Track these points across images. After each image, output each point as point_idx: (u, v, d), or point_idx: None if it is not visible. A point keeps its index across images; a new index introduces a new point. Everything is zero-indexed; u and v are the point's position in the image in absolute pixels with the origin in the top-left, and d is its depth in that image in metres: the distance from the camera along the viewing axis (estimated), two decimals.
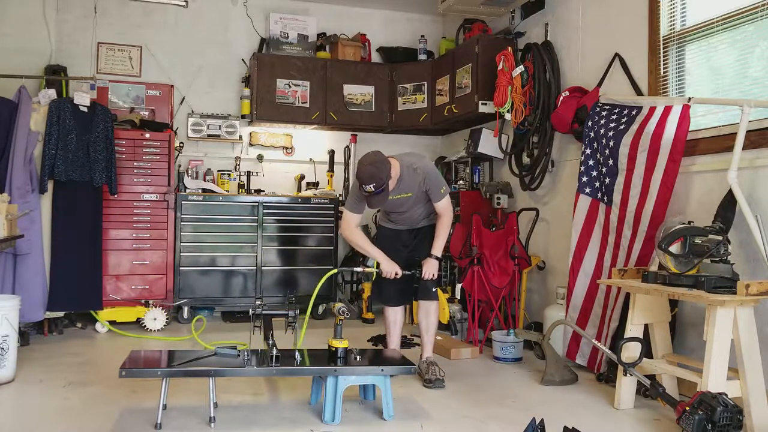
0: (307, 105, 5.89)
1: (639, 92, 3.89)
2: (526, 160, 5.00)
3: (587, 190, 3.93)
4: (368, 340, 4.72)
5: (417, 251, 3.73)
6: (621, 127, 3.72)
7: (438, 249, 3.63)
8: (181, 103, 5.91)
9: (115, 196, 4.97)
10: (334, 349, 3.05)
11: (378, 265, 3.60)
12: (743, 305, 2.73)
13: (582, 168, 3.95)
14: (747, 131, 3.02)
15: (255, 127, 6.12)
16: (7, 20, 5.39)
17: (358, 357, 3.06)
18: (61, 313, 4.74)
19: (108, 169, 4.84)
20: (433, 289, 3.71)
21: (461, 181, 5.65)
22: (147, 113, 5.67)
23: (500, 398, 3.34)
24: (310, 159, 6.27)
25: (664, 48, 3.76)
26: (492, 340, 4.22)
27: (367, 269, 3.71)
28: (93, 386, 3.40)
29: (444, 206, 3.63)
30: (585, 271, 3.92)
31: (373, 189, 3.34)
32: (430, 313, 3.74)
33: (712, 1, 3.50)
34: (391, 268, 3.57)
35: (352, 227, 3.66)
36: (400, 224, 3.82)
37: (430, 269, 3.60)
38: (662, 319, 3.27)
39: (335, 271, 3.82)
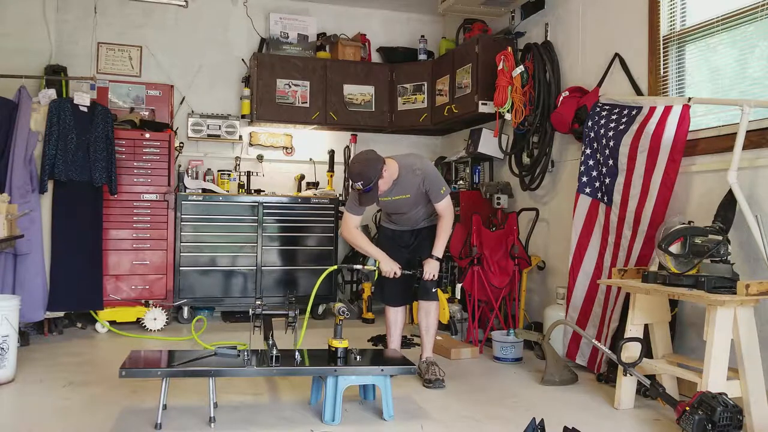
0: (307, 105, 5.89)
1: (639, 92, 3.89)
2: (526, 160, 4.99)
3: (587, 190, 3.93)
4: (368, 340, 4.72)
5: (418, 252, 3.73)
6: (621, 127, 3.72)
7: (439, 250, 3.63)
8: (181, 103, 5.91)
9: (115, 196, 4.97)
10: (334, 349, 3.05)
11: (378, 264, 3.61)
12: (743, 305, 2.72)
13: (582, 168, 3.95)
14: (747, 131, 3.02)
15: (255, 127, 6.12)
16: (7, 20, 5.39)
17: (358, 357, 3.06)
18: (61, 313, 4.74)
19: (108, 169, 4.84)
20: (433, 290, 3.71)
21: (461, 181, 5.65)
22: (147, 113, 5.67)
23: (500, 398, 3.34)
24: (310, 159, 6.27)
25: (664, 48, 3.76)
26: (492, 340, 4.23)
27: (366, 267, 3.71)
28: (93, 386, 3.40)
29: (444, 207, 3.62)
30: (585, 271, 3.91)
31: (361, 187, 3.37)
32: (430, 313, 3.74)
33: (712, 1, 3.50)
34: (390, 267, 3.57)
35: (351, 228, 3.66)
36: (401, 225, 3.82)
37: (430, 270, 3.60)
38: (662, 319, 3.27)
39: (335, 267, 3.82)
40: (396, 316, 3.81)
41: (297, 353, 2.99)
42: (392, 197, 3.60)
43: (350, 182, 3.46)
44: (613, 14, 4.17)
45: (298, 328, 3.23)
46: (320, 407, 2.97)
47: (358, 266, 3.85)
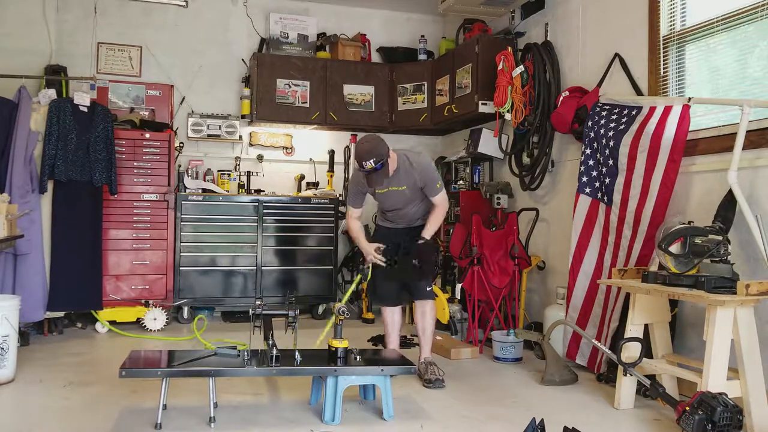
0: (307, 105, 5.89)
1: (639, 92, 3.89)
2: (526, 160, 4.99)
3: (587, 190, 3.93)
4: (368, 340, 4.72)
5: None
6: (621, 127, 3.72)
7: (428, 232, 3.64)
8: (181, 103, 5.91)
9: (115, 196, 4.97)
10: (334, 349, 3.05)
11: (370, 270, 3.63)
12: (743, 305, 2.72)
13: (582, 168, 3.95)
14: (747, 131, 3.02)
15: (255, 127, 6.12)
16: (7, 20, 5.39)
17: (358, 357, 3.06)
18: (61, 313, 4.74)
19: (108, 169, 4.84)
20: (429, 289, 3.71)
21: (461, 181, 5.65)
22: (147, 113, 5.67)
23: (500, 398, 3.34)
24: (310, 159, 6.27)
25: (664, 48, 3.76)
26: (492, 340, 4.22)
27: (355, 280, 3.76)
28: (93, 386, 3.40)
29: (440, 200, 3.67)
30: (585, 271, 3.91)
31: (372, 164, 3.35)
32: (427, 312, 3.74)
33: (712, 1, 3.50)
34: (368, 248, 3.62)
35: (353, 217, 3.78)
36: (396, 223, 3.83)
37: (424, 251, 3.59)
38: (662, 319, 3.27)
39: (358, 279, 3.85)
40: (393, 316, 3.81)
41: (297, 353, 2.99)
42: (390, 187, 3.61)
43: (358, 164, 3.40)
44: (613, 14, 4.17)
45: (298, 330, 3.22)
46: (320, 407, 2.97)
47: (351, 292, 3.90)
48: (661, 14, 3.77)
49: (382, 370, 2.99)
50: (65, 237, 4.66)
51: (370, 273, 3.66)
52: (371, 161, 3.34)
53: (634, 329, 3.18)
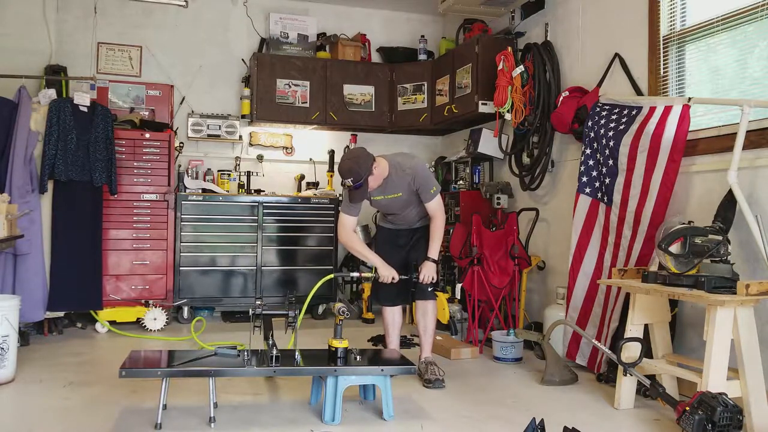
0: (307, 105, 5.89)
1: (639, 92, 3.89)
2: (526, 160, 5.00)
3: (587, 190, 3.93)
4: (368, 340, 4.72)
5: (414, 251, 3.74)
6: (621, 127, 3.72)
7: (434, 251, 3.63)
8: (181, 103, 5.91)
9: (115, 196, 4.97)
10: (334, 349, 3.05)
11: (375, 270, 3.60)
12: (743, 305, 2.72)
13: (582, 168, 3.95)
14: (747, 131, 3.02)
15: (255, 127, 6.12)
16: (7, 20, 5.39)
17: (358, 357, 3.06)
18: (61, 313, 4.74)
19: (108, 169, 4.84)
20: (430, 289, 3.71)
21: (461, 181, 5.65)
22: (147, 113, 5.67)
23: (500, 398, 3.34)
24: (310, 159, 6.27)
25: (664, 48, 3.76)
26: (492, 340, 4.22)
27: (364, 275, 3.72)
28: (93, 386, 3.40)
29: (435, 207, 3.62)
30: (585, 271, 3.91)
31: (351, 183, 3.40)
32: (428, 312, 3.74)
33: (712, 1, 3.50)
34: (388, 273, 3.56)
35: (349, 230, 3.66)
36: (398, 224, 3.83)
37: (428, 273, 3.59)
38: (662, 319, 3.27)
39: (331, 276, 3.81)
40: (393, 316, 3.81)
41: (297, 353, 2.99)
42: (385, 196, 3.62)
43: (341, 179, 3.49)
44: (613, 14, 4.17)
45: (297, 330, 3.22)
46: (320, 407, 2.97)
47: (355, 273, 3.87)
48: (661, 14, 3.77)
49: (382, 370, 2.98)
50: (65, 237, 4.66)
51: (372, 278, 3.66)
52: (349, 180, 3.40)
53: (634, 329, 3.18)
